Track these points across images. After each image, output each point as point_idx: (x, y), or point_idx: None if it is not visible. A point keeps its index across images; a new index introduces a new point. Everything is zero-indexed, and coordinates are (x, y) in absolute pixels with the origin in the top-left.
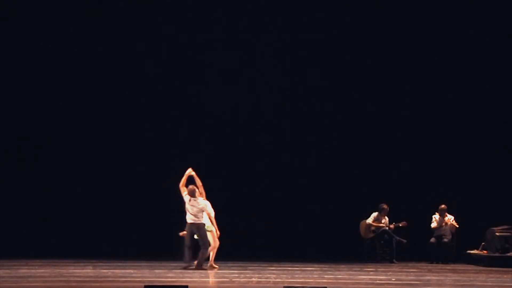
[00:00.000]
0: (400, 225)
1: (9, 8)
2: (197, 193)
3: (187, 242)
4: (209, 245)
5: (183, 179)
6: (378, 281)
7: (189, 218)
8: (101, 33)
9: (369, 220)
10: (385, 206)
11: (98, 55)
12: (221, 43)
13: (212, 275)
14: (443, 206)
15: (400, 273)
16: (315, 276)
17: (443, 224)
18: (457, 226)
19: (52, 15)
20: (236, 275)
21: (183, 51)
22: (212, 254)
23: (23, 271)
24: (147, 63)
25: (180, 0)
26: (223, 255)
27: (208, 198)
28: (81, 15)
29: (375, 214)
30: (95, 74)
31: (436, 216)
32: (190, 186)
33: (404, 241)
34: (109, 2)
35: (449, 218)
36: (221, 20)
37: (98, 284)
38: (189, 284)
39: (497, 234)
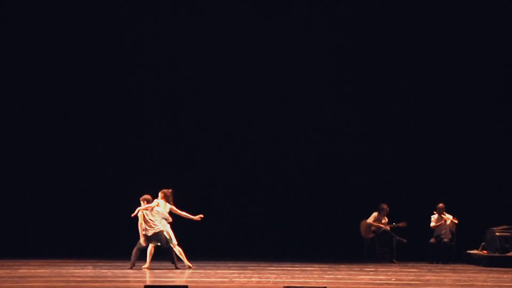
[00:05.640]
0: (400, 225)
1: None
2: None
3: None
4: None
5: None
6: (378, 281)
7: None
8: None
9: (369, 220)
10: (384, 206)
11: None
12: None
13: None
14: (441, 204)
15: (400, 273)
16: (315, 276)
17: (442, 222)
18: (457, 221)
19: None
20: (236, 275)
21: (183, 59)
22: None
23: (23, 271)
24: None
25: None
26: (223, 255)
27: (209, 199)
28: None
29: (375, 214)
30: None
31: (434, 216)
32: (164, 190)
33: (405, 240)
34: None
35: (448, 217)
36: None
37: (98, 284)
38: (189, 284)
39: (497, 234)
